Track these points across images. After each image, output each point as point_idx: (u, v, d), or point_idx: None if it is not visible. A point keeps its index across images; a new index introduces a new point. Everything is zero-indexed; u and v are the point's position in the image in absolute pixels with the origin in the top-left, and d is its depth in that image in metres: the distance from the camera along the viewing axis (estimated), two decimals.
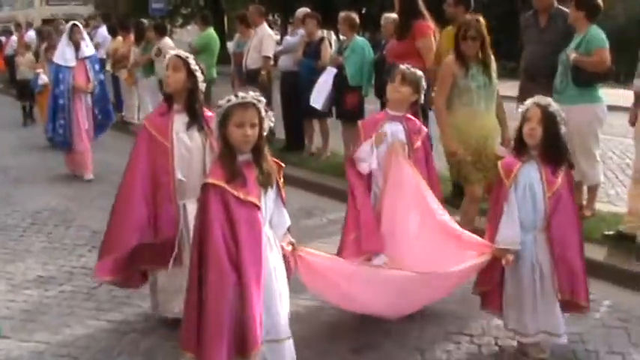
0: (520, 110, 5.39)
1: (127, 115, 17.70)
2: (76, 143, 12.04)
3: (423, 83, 6.38)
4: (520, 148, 5.40)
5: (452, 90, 7.50)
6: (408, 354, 5.65)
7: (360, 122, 6.77)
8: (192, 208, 5.48)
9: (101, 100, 12.43)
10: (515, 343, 5.71)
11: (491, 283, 5.61)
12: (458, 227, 6.00)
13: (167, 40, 16.01)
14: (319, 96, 11.77)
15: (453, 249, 5.77)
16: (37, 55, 18.62)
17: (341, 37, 13.24)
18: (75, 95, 11.93)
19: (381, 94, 11.11)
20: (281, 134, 13.37)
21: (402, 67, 6.44)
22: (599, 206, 8.98)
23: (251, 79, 13.22)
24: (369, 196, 6.36)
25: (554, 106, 5.30)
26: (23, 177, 12.36)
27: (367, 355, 5.67)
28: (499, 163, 5.54)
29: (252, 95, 4.45)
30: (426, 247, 5.90)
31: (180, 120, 5.79)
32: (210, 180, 4.42)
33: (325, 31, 13.26)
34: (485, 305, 5.80)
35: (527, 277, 5.40)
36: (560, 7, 9.15)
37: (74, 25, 12.23)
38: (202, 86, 5.82)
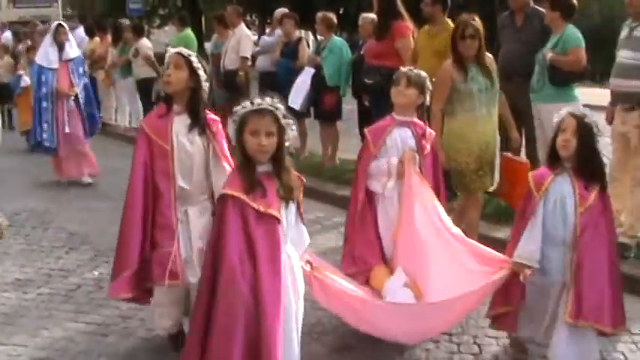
0: (555, 120, 5.12)
1: (105, 116, 17.60)
2: (61, 148, 11.56)
3: (428, 84, 6.21)
4: (553, 159, 5.10)
5: (452, 95, 7.27)
6: (387, 353, 5.65)
7: (366, 130, 6.39)
8: (194, 216, 5.33)
9: (87, 105, 11.86)
10: (494, 342, 5.73)
11: (510, 303, 5.30)
12: (472, 241, 5.79)
13: (145, 41, 15.98)
14: (297, 96, 11.77)
15: (470, 265, 5.52)
16: (14, 56, 18.48)
17: (319, 37, 13.25)
18: (58, 99, 11.42)
19: (358, 94, 11.15)
20: None
21: (404, 69, 6.26)
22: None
23: (229, 79, 13.22)
24: (373, 213, 6.13)
25: (590, 117, 5.02)
26: (1, 179, 12.25)
27: (346, 354, 5.68)
28: (532, 175, 5.23)
29: (268, 102, 4.22)
30: (444, 265, 5.60)
31: (180, 122, 5.32)
32: (227, 191, 4.19)
33: (303, 32, 13.25)
34: (497, 323, 5.52)
35: (552, 294, 5.14)
36: (537, 7, 9.22)
37: (59, 25, 11.71)
38: (205, 86, 5.38)
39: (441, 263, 5.60)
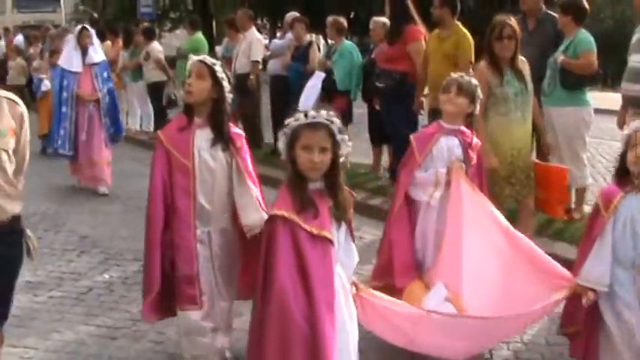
0: (624, 134, 4.76)
1: None
2: (80, 154, 11.22)
3: (479, 93, 5.88)
4: (623, 176, 4.73)
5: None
6: (397, 357, 5.50)
7: (412, 136, 6.07)
8: (217, 237, 5.11)
9: (111, 111, 11.45)
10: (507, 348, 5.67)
11: (576, 323, 4.96)
12: (535, 251, 5.39)
13: (156, 45, 16.00)
14: (308, 100, 11.75)
15: (527, 281, 5.18)
16: (27, 59, 18.54)
17: (329, 41, 13.26)
18: (79, 103, 11.09)
19: (369, 98, 11.16)
20: (269, 138, 13.37)
21: (455, 76, 5.91)
22: (588, 209, 9.00)
23: (240, 83, 13.22)
24: (412, 223, 5.90)
25: None
26: None
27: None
28: (601, 192, 4.89)
29: (324, 114, 3.87)
30: (495, 281, 5.32)
31: (202, 136, 5.01)
32: (277, 211, 3.84)
33: (314, 35, 13.25)
34: (571, 351, 5.16)
35: (625, 322, 4.69)
36: (549, 11, 9.21)
37: (83, 28, 11.44)
38: (229, 97, 5.08)
39: (491, 278, 5.32)
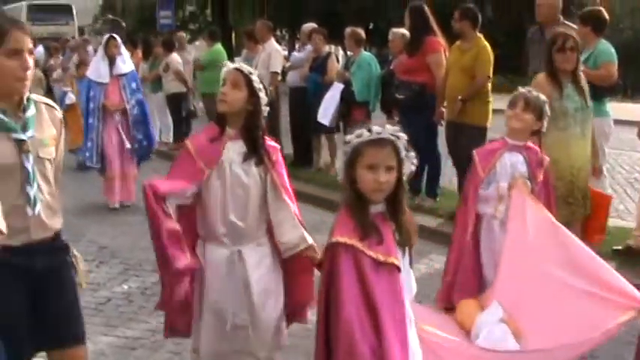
0: None
1: None
2: (109, 168, 10.95)
3: (547, 109, 5.56)
4: None
5: None
6: None
7: (475, 151, 5.74)
8: (249, 256, 4.66)
9: (141, 123, 11.10)
10: None
11: None
12: (604, 267, 5.02)
13: (175, 56, 16.05)
14: (327, 111, 11.79)
15: (591, 302, 4.82)
16: (45, 71, 18.62)
17: (348, 52, 13.28)
18: (106, 115, 10.86)
19: (388, 109, 11.17)
20: (289, 150, 13.39)
21: (523, 90, 5.60)
22: (608, 221, 8.96)
23: None
24: (477, 238, 5.55)
25: None
26: None
27: None
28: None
29: (389, 129, 3.58)
30: (557, 303, 4.95)
31: (234, 149, 4.62)
32: (338, 238, 3.51)
33: (333, 47, 13.28)
34: None
35: None
36: (566, 22, 9.17)
37: (111, 37, 11.13)
38: (265, 110, 4.68)
39: (553, 300, 4.95)
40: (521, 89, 5.63)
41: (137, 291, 7.40)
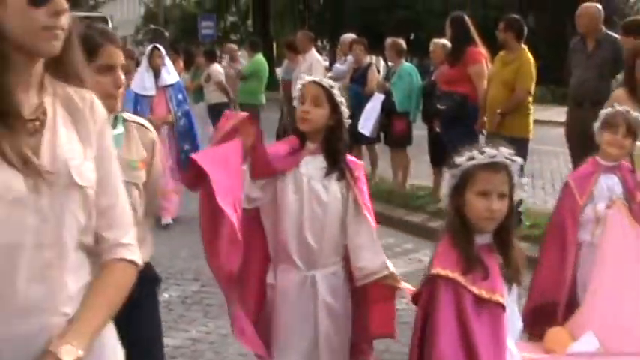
0: None
1: None
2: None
3: None
4: None
5: None
6: None
7: (569, 178, 5.48)
8: (322, 282, 4.27)
9: (188, 134, 10.69)
10: None
11: None
12: None
13: (216, 66, 16.12)
14: (367, 122, 11.78)
15: None
16: None
17: (389, 63, 13.26)
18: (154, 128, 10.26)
19: (429, 120, 11.14)
20: None
21: (622, 110, 5.17)
22: None
23: None
24: (570, 263, 5.20)
25: None
26: None
27: None
28: None
29: (504, 152, 3.28)
30: None
31: (314, 164, 4.26)
32: (439, 270, 3.25)
33: (374, 57, 13.27)
34: None
35: None
36: (609, 32, 9.10)
37: (154, 48, 10.68)
38: (347, 123, 4.37)
39: None
40: (618, 108, 5.22)
41: (177, 300, 7.42)
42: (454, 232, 3.34)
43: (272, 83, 19.33)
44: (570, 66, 9.35)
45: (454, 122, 9.77)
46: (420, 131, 12.03)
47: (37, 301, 2.17)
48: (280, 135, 14.75)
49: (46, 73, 2.29)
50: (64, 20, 2.18)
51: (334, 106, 4.24)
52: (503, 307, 3.26)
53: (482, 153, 3.25)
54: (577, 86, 9.02)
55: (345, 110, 4.31)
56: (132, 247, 2.47)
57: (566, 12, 18.43)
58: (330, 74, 14.14)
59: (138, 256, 2.50)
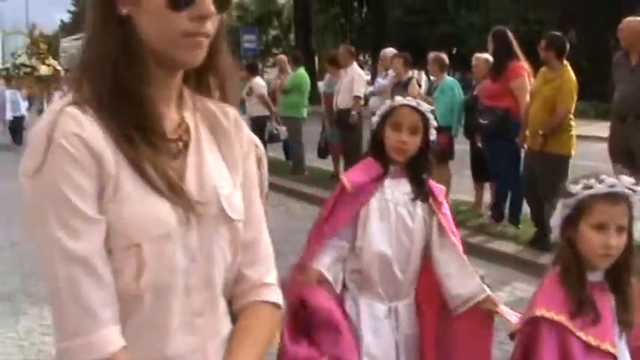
0: None
1: None
2: None
3: None
4: None
5: None
6: None
7: None
8: (403, 314, 4.01)
9: None
10: None
11: None
12: None
13: (258, 80, 16.21)
14: None
15: None
16: None
17: (431, 77, 13.28)
18: None
19: (471, 134, 11.11)
20: None
21: None
22: None
23: (342, 118, 13.36)
24: None
25: None
26: None
27: None
28: None
29: (626, 181, 2.92)
30: None
31: (398, 187, 3.98)
32: (543, 312, 2.91)
33: (416, 72, 13.29)
34: None
35: None
36: None
37: None
38: (433, 138, 4.05)
39: None
40: None
41: None
42: (564, 269, 3.01)
43: (314, 97, 19.40)
44: (614, 81, 9.30)
45: (496, 137, 9.75)
46: (462, 145, 12.00)
47: (186, 355, 1.89)
48: (322, 148, 14.81)
49: (185, 84, 1.99)
50: (209, 26, 1.83)
51: (426, 131, 3.97)
52: (614, 357, 2.94)
53: (600, 182, 2.91)
54: (620, 101, 8.95)
55: (434, 132, 4.02)
56: (275, 287, 2.10)
57: (608, 26, 18.34)
58: (371, 89, 14.21)
59: (281, 298, 2.14)
